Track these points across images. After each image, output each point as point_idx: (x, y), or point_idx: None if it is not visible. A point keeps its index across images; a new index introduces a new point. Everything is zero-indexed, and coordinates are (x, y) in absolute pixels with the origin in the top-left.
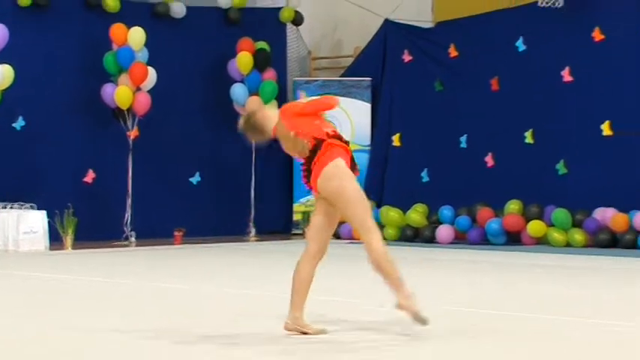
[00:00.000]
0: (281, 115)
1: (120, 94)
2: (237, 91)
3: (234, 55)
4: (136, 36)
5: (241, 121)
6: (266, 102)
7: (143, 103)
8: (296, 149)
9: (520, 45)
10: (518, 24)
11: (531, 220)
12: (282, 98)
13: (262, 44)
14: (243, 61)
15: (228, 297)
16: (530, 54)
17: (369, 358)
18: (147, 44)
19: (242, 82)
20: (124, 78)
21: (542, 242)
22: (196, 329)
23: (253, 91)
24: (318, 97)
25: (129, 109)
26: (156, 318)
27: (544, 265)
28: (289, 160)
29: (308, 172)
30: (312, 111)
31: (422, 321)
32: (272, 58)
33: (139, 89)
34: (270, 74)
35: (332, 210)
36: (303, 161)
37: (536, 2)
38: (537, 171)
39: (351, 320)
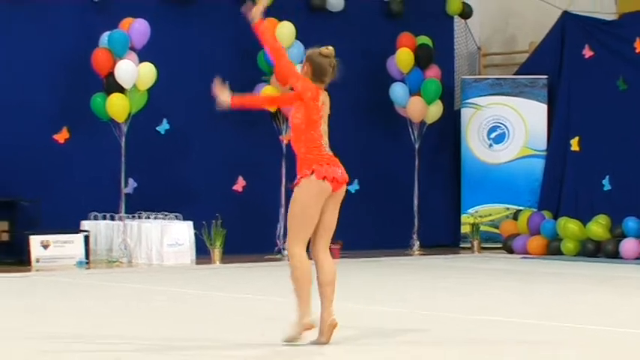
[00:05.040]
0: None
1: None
2: (397, 90)
3: (393, 51)
4: (284, 31)
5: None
6: (429, 103)
7: None
8: None
9: None
10: None
11: None
12: (448, 98)
13: (424, 39)
14: (403, 58)
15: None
16: None
17: None
18: (300, 40)
19: (402, 81)
20: (273, 77)
21: None
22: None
23: (415, 91)
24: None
25: (278, 111)
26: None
27: None
28: (457, 166)
29: None
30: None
31: (290, 340)
32: (437, 55)
33: (291, 89)
34: (433, 72)
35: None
36: None
37: None
38: None
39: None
